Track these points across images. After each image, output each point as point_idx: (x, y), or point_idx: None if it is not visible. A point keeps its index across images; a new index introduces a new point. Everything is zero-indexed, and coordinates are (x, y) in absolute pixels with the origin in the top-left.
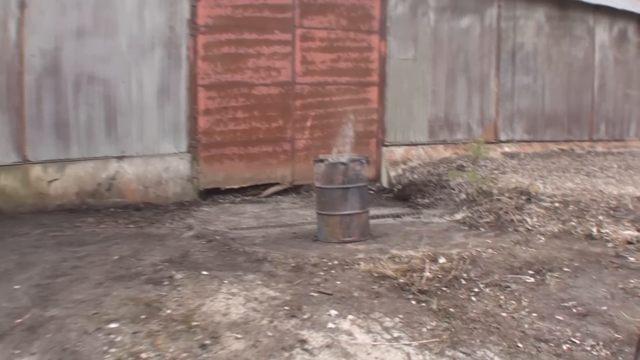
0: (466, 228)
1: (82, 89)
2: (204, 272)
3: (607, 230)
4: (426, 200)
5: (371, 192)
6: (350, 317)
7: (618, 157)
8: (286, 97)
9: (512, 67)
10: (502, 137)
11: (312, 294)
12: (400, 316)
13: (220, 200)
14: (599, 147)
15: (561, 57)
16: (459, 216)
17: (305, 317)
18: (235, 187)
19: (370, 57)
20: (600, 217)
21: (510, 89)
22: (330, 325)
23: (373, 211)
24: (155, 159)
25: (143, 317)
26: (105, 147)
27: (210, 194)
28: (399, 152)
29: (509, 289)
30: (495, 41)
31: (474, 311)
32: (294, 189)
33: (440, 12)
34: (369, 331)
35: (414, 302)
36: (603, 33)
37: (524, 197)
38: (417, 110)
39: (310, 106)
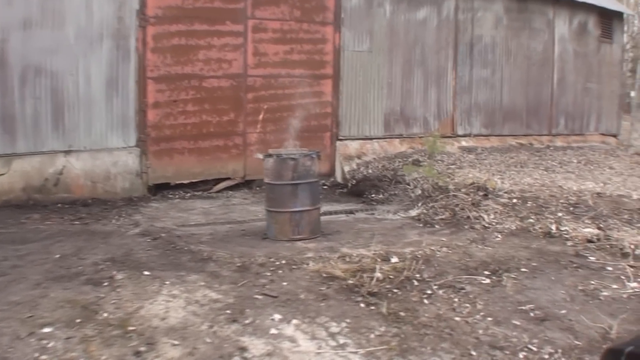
0: (421, 225)
1: (29, 82)
2: (146, 273)
3: (567, 228)
4: (380, 196)
5: (325, 187)
6: (294, 321)
7: (578, 151)
8: (238, 90)
9: (469, 60)
10: (460, 131)
11: (257, 296)
12: (348, 321)
13: (170, 196)
14: (559, 142)
15: (520, 50)
16: (414, 213)
17: (247, 322)
18: (185, 182)
19: (324, 49)
20: (560, 214)
21: (467, 82)
22: (273, 330)
23: (326, 207)
24: (104, 154)
25: (78, 321)
26: (52, 142)
27: (160, 189)
28: (353, 147)
29: (464, 290)
30: (452, 33)
31: (426, 315)
32: (245, 184)
33: (396, 3)
34: (313, 337)
35: (362, 305)
36: (563, 26)
37: (481, 193)
38: (373, 103)
39: (262, 99)
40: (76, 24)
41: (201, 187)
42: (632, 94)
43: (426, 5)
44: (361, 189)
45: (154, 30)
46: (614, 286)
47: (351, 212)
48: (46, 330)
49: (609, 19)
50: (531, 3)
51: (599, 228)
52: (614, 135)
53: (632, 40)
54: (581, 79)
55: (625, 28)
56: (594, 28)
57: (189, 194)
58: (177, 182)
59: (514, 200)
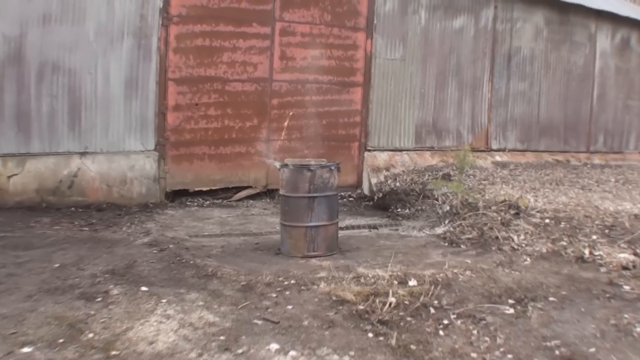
0: (446, 244)
1: (46, 79)
2: (144, 288)
3: (601, 253)
4: (407, 211)
5: (351, 199)
6: (292, 353)
7: (616, 170)
8: (262, 95)
9: (507, 72)
10: (494, 146)
11: (257, 321)
12: (351, 353)
13: (188, 203)
14: (597, 159)
15: (560, 64)
16: (439, 230)
17: (240, 351)
18: (204, 189)
19: (355, 56)
20: (594, 237)
21: (504, 95)
22: None
23: (349, 221)
24: (120, 157)
25: (61, 341)
26: (67, 142)
27: (178, 196)
28: (382, 158)
29: (484, 321)
30: (490, 44)
31: (440, 349)
32: (267, 194)
33: (432, 11)
34: None
35: (371, 334)
36: (605, 40)
37: (512, 212)
38: (404, 113)
39: (288, 105)
40: (96, 21)
41: (221, 194)
42: None
43: (463, 14)
44: (387, 203)
45: (177, 30)
46: None
47: (374, 227)
48: (26, 350)
49: None
50: (573, 15)
51: (635, 254)
52: None
53: None
54: (622, 95)
55: None
56: (637, 43)
57: (207, 202)
58: (196, 188)
59: (547, 220)
